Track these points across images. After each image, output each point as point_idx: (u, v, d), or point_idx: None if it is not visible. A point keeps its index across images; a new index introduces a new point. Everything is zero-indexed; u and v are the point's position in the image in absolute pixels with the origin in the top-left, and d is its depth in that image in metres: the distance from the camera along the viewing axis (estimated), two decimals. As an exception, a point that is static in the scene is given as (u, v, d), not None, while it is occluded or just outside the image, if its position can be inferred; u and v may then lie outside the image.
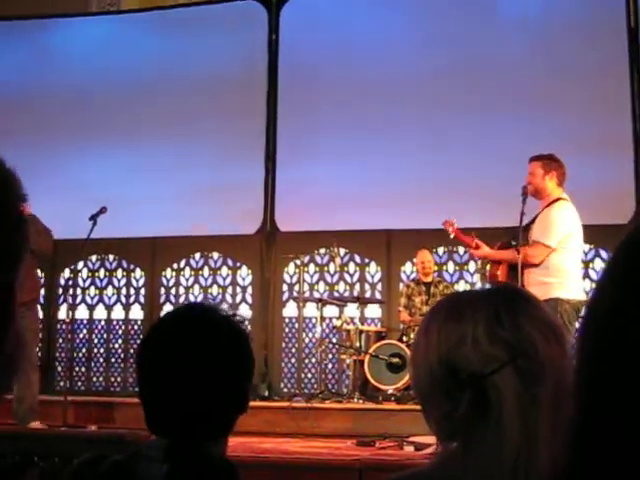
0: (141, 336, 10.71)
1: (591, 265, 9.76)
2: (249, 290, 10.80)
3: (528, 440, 1.40)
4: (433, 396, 1.52)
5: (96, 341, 11.02)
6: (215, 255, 10.97)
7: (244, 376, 1.89)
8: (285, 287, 10.67)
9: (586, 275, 9.61)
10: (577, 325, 6.89)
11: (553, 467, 1.35)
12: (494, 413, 1.42)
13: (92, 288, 11.16)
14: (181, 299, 10.81)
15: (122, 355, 10.82)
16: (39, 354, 11.01)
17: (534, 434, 1.40)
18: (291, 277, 10.62)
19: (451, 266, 10.33)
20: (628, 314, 0.79)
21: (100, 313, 11.10)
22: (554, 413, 1.41)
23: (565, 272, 6.40)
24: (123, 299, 11.09)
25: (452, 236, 7.26)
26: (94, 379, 10.87)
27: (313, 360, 10.10)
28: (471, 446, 1.45)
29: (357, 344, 9.26)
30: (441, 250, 10.24)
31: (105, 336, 11.02)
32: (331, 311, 10.20)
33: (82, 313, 11.06)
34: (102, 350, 11.00)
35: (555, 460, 1.36)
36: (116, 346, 10.91)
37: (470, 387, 1.44)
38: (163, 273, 10.98)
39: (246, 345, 1.91)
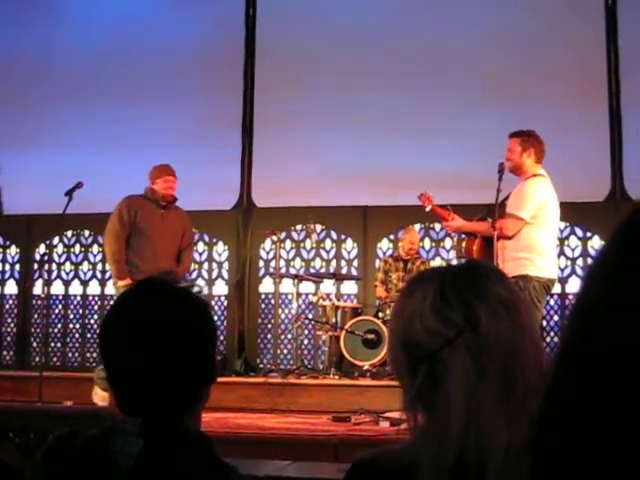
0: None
1: (566, 242, 9.81)
2: (225, 266, 10.79)
3: (477, 414, 1.42)
4: (397, 371, 1.56)
5: (72, 317, 10.98)
6: (191, 231, 10.94)
7: (207, 345, 1.89)
8: (261, 263, 10.67)
9: (561, 252, 9.68)
10: (545, 302, 6.95)
11: (509, 438, 1.38)
12: (443, 388, 1.44)
13: (67, 263, 11.10)
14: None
15: (98, 331, 10.78)
16: (14, 330, 11.00)
17: (482, 408, 1.42)
18: (267, 253, 10.62)
19: (427, 243, 10.36)
20: (620, 301, 0.80)
21: (76, 289, 11.04)
22: (505, 386, 1.43)
23: (536, 249, 6.41)
24: (99, 274, 11.03)
25: (428, 209, 7.26)
26: (70, 355, 10.84)
27: (289, 336, 10.13)
28: (428, 421, 1.49)
29: (333, 320, 9.29)
30: (417, 227, 10.25)
31: (81, 312, 10.98)
32: (307, 287, 10.21)
33: (58, 289, 11.00)
34: (78, 326, 10.96)
35: (511, 432, 1.39)
36: (92, 322, 10.87)
37: (423, 363, 1.47)
38: (139, 249, 10.93)
39: (206, 314, 1.91)
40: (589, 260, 9.75)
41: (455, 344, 1.45)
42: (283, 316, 10.36)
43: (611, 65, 9.79)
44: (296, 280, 9.61)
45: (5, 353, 11.01)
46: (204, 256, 10.88)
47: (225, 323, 10.58)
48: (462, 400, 1.42)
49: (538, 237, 6.44)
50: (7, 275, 11.28)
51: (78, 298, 11.03)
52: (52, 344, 10.69)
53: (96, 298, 10.98)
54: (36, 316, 10.79)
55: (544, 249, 6.50)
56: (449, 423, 1.42)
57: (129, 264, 7.65)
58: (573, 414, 0.80)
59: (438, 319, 1.47)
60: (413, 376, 1.49)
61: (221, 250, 10.83)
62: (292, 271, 10.38)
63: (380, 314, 9.33)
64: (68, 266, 11.09)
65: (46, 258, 7.62)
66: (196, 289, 1.93)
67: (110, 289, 10.82)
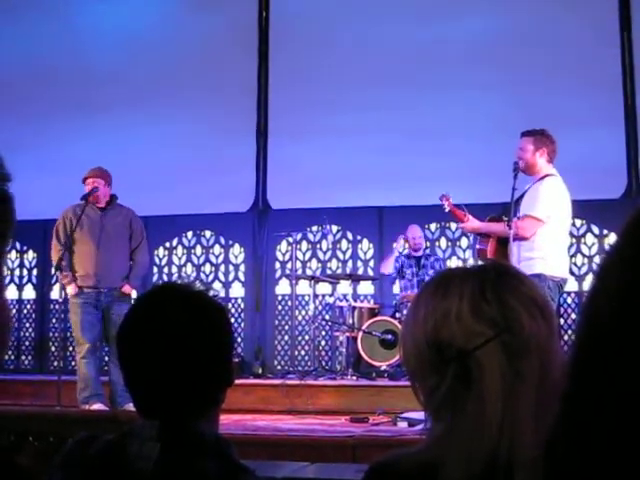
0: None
1: (583, 240, 9.77)
2: (242, 268, 10.80)
3: (512, 416, 1.40)
4: (420, 370, 1.53)
5: (89, 321, 10.99)
6: (207, 233, 10.96)
7: (224, 348, 1.89)
8: (278, 265, 10.67)
9: (578, 250, 9.65)
10: (557, 302, 6.94)
11: (537, 441, 1.36)
12: (476, 389, 1.42)
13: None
14: (174, 278, 10.79)
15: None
16: (32, 334, 11.04)
17: (517, 410, 1.41)
18: (283, 255, 10.62)
19: (443, 242, 10.34)
20: (634, 295, 0.79)
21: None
22: (539, 388, 1.42)
23: (549, 248, 6.40)
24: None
25: (447, 210, 7.26)
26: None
27: (306, 337, 10.12)
28: (456, 422, 1.45)
29: (350, 321, 9.29)
30: (433, 226, 10.24)
31: (98, 315, 10.99)
32: (324, 288, 10.22)
33: (75, 293, 11.02)
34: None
35: (540, 435, 1.37)
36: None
37: (454, 362, 1.45)
38: (155, 252, 10.95)
39: (223, 318, 1.92)
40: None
41: (492, 344, 1.44)
42: (300, 317, 10.35)
43: (625, 60, 9.74)
44: (313, 281, 9.61)
45: (24, 358, 11.06)
46: (220, 258, 10.89)
47: (242, 325, 10.60)
48: (498, 402, 1.41)
49: (552, 236, 6.44)
50: (25, 280, 11.33)
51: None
52: (70, 348, 10.68)
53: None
54: (54, 320, 10.80)
55: (558, 248, 6.50)
56: (482, 426, 1.40)
57: (74, 270, 7.73)
58: (588, 418, 0.80)
59: (476, 319, 1.45)
60: (440, 376, 1.46)
61: (237, 252, 10.84)
62: (308, 272, 10.38)
63: (397, 314, 9.32)
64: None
65: (64, 263, 7.67)
66: (212, 292, 1.93)
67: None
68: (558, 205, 6.45)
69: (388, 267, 9.64)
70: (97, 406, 7.46)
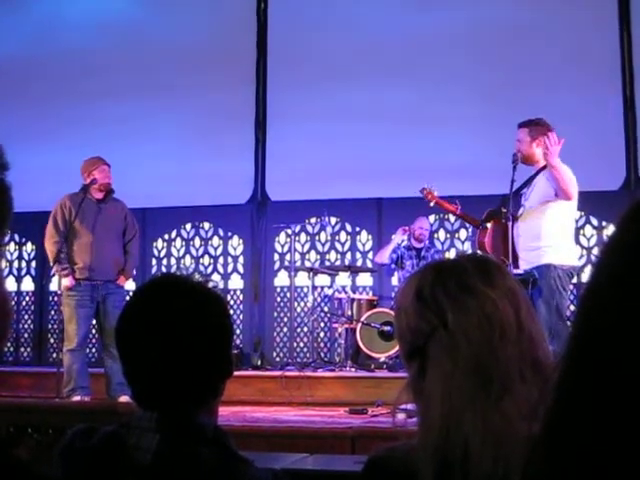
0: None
1: (582, 232, 9.77)
2: (240, 260, 10.80)
3: (452, 407, 1.45)
4: (405, 364, 1.62)
5: (88, 313, 10.99)
6: (206, 225, 10.96)
7: (223, 339, 1.89)
8: (276, 256, 10.67)
9: (577, 242, 9.63)
10: (570, 290, 6.92)
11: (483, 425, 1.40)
12: (425, 382, 1.50)
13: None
14: (172, 270, 10.79)
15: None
16: (31, 326, 11.04)
17: (456, 401, 1.45)
18: (282, 246, 10.62)
19: (442, 234, 10.34)
20: (631, 285, 0.79)
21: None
22: (480, 379, 1.45)
23: (557, 237, 6.38)
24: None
25: (432, 204, 7.24)
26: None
27: (305, 329, 10.13)
28: (418, 413, 1.54)
29: (349, 313, 9.29)
30: (432, 218, 10.23)
31: (97, 307, 10.99)
32: (323, 280, 10.22)
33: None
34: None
35: (488, 425, 1.40)
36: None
37: (415, 357, 1.53)
38: (154, 244, 10.96)
39: (221, 308, 1.92)
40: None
41: (433, 339, 1.49)
42: (299, 309, 10.36)
43: (624, 52, 9.73)
44: (311, 273, 9.61)
45: (22, 350, 11.06)
46: (219, 250, 10.89)
47: (241, 317, 10.60)
48: (438, 393, 1.46)
49: (557, 225, 6.41)
50: (23, 272, 11.33)
51: (94, 294, 11.05)
52: (69, 340, 10.71)
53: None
54: (53, 312, 10.82)
55: (566, 236, 6.48)
56: (428, 416, 1.47)
57: (72, 262, 7.69)
58: (585, 408, 0.80)
59: (417, 316, 1.52)
60: (409, 369, 1.55)
61: (236, 244, 10.84)
62: (307, 264, 10.38)
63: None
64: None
65: (62, 255, 7.66)
66: (211, 284, 1.93)
67: (127, 285, 10.85)
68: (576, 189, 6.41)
69: (383, 256, 9.65)
70: (77, 399, 7.44)
